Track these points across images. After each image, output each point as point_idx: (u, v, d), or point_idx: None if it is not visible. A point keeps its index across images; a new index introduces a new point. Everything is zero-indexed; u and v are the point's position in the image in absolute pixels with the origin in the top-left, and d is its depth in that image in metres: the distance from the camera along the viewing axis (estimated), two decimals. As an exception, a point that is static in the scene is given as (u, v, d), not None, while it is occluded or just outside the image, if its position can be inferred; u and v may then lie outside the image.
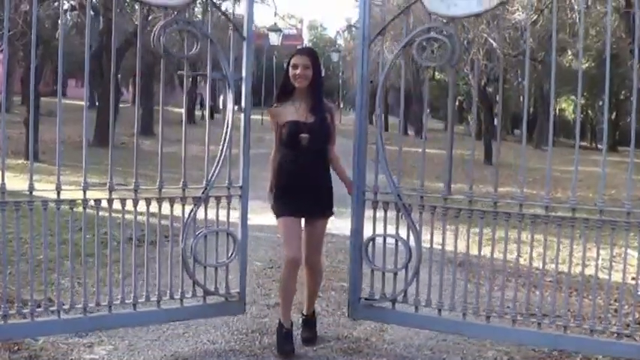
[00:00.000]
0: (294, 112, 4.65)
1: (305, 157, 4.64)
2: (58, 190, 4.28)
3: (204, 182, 4.66)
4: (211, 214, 4.75)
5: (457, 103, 23.38)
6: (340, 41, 64.66)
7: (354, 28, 48.44)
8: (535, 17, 15.84)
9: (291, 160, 4.68)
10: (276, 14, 29.66)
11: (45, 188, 4.49)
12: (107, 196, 4.45)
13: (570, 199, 4.38)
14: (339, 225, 5.75)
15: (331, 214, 4.84)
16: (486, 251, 4.76)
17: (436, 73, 42.96)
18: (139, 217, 4.57)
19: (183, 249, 4.62)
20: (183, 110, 5.13)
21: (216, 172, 4.65)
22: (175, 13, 4.51)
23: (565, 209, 4.44)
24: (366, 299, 4.87)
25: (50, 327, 4.39)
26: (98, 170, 9.69)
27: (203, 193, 4.66)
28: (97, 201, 4.46)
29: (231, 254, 4.79)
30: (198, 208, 4.66)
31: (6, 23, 4.04)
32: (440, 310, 4.67)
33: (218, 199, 4.74)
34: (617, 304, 4.56)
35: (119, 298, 4.53)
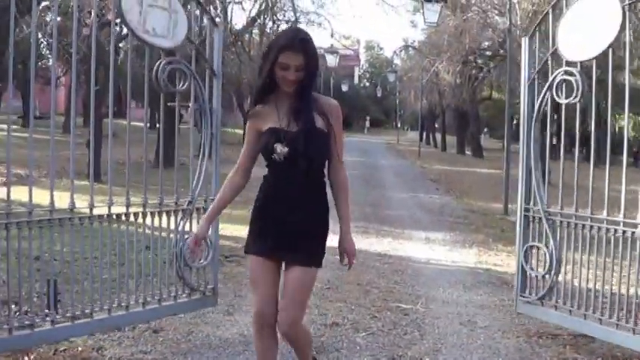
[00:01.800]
0: (275, 116, 3.47)
1: (285, 178, 3.47)
2: (91, 207, 4.65)
3: (190, 196, 5.20)
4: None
5: (514, 122, 22.80)
6: (397, 61, 64.64)
7: (410, 49, 48.45)
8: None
9: (269, 180, 3.55)
10: (332, 36, 29.64)
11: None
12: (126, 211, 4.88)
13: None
14: (396, 246, 5.68)
15: (318, 262, 3.53)
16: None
17: (493, 92, 42.51)
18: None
19: (175, 253, 5.09)
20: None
21: (199, 187, 5.21)
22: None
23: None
24: (525, 297, 5.55)
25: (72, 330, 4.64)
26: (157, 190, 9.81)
27: (189, 205, 5.18)
28: (119, 215, 4.83)
29: (207, 256, 5.25)
30: (187, 218, 5.17)
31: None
32: (570, 311, 5.18)
33: (198, 210, 5.24)
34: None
35: (133, 298, 4.95)
